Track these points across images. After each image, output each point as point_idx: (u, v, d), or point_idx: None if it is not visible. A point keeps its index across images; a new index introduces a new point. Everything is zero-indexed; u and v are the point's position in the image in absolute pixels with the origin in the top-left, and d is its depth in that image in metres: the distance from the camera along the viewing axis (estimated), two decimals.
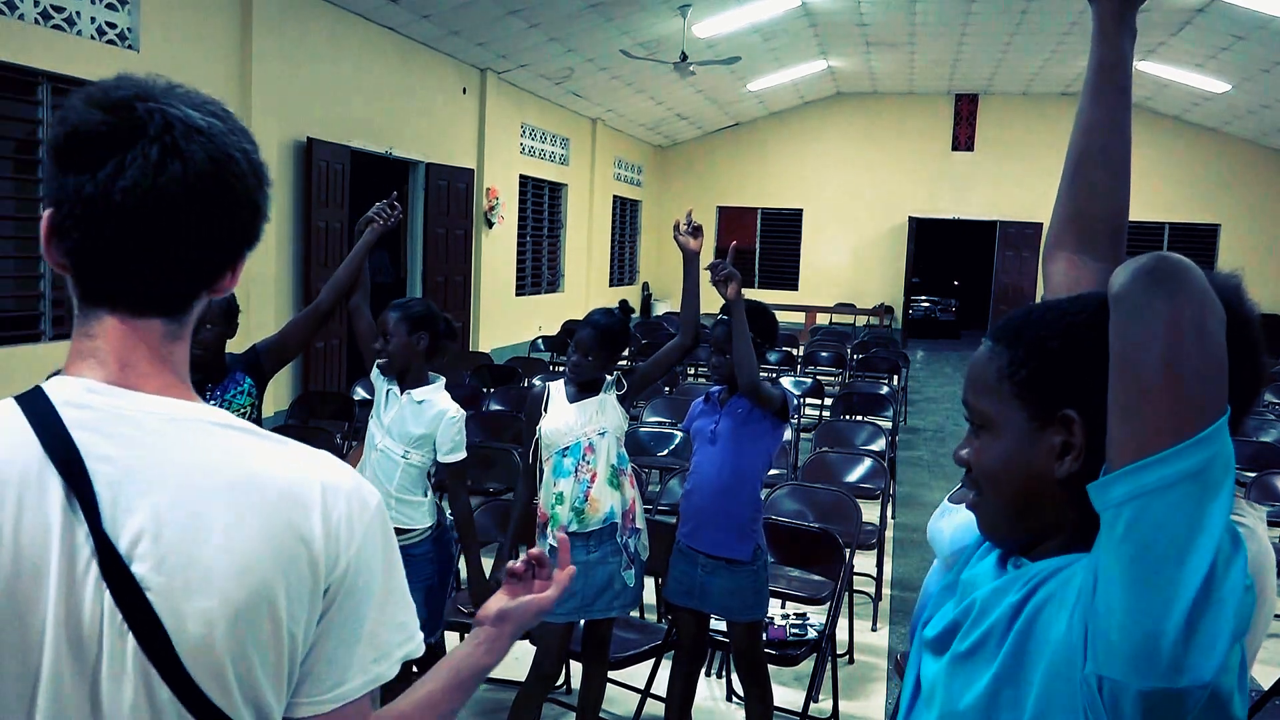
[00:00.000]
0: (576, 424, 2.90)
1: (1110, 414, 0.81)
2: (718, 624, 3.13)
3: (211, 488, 0.80)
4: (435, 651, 3.08)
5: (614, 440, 2.92)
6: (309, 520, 0.83)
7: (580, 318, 3.13)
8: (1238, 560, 0.75)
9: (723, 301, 2.89)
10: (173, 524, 0.78)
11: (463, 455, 3.00)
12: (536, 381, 5.12)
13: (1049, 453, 0.91)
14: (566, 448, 2.89)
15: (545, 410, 2.97)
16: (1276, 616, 4.62)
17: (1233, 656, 0.74)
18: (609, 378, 2.99)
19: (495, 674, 3.53)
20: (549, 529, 2.90)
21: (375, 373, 3.08)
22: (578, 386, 2.97)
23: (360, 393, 6.50)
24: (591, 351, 2.90)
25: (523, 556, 1.16)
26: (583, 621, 2.98)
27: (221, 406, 2.83)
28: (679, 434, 5.22)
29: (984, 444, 0.97)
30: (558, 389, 3.00)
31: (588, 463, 2.89)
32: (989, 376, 0.96)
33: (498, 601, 1.13)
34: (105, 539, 0.77)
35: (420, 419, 2.94)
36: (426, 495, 3.00)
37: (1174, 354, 0.77)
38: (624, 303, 3.10)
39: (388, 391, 3.03)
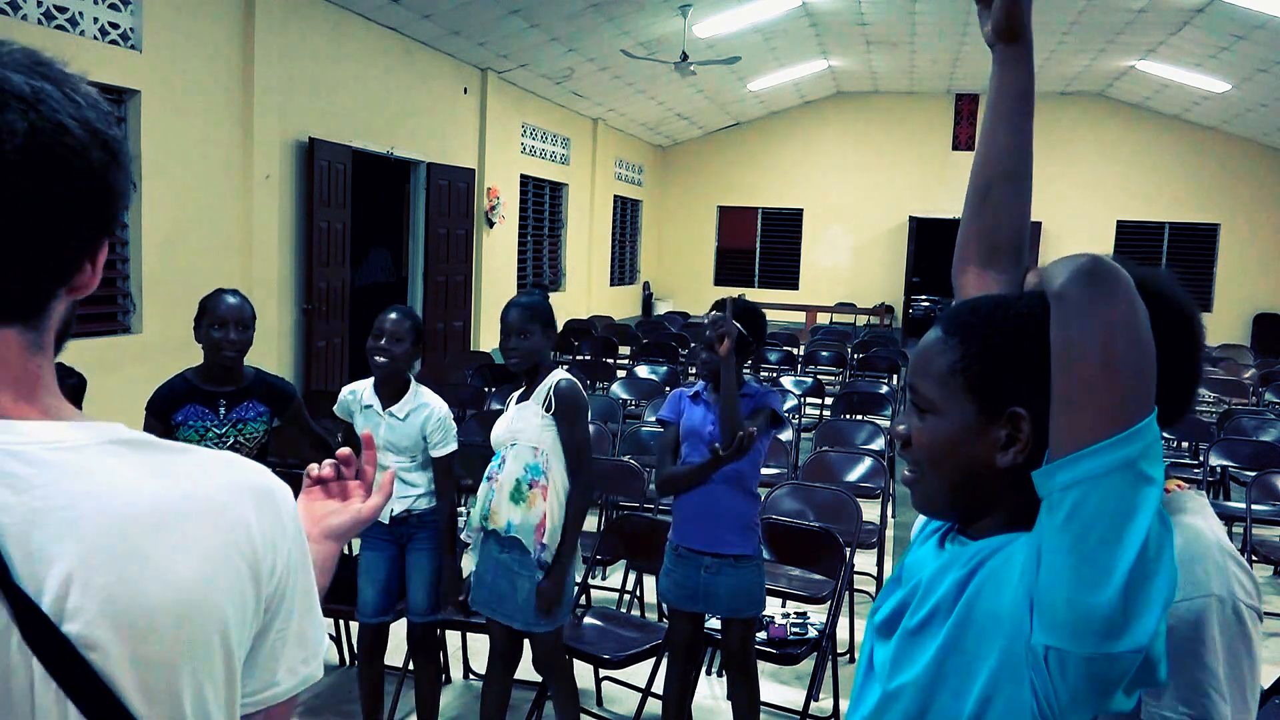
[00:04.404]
0: (500, 432, 2.92)
1: (1053, 406, 0.87)
2: (711, 622, 3.14)
3: (136, 517, 0.69)
4: (431, 632, 3.13)
5: (527, 451, 2.83)
6: (246, 532, 0.75)
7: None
8: (1168, 538, 0.83)
9: (713, 300, 2.88)
10: (102, 567, 0.67)
11: (454, 447, 3.03)
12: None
13: (993, 443, 0.96)
14: (495, 453, 2.93)
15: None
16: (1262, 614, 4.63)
17: (1161, 624, 0.83)
18: (552, 380, 2.86)
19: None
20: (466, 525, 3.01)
21: (352, 395, 3.08)
22: (527, 381, 2.93)
23: None
24: (523, 330, 2.84)
25: (328, 461, 1.10)
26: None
27: (236, 427, 2.87)
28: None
29: (928, 426, 1.01)
30: (515, 391, 3.01)
31: (499, 471, 2.88)
32: (940, 367, 1.00)
33: (316, 515, 1.07)
34: (23, 598, 0.65)
35: (409, 431, 3.00)
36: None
37: (1111, 352, 0.83)
38: (538, 282, 3.17)
39: (365, 408, 3.04)
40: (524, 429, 2.85)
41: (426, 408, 2.99)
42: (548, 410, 2.83)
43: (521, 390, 2.96)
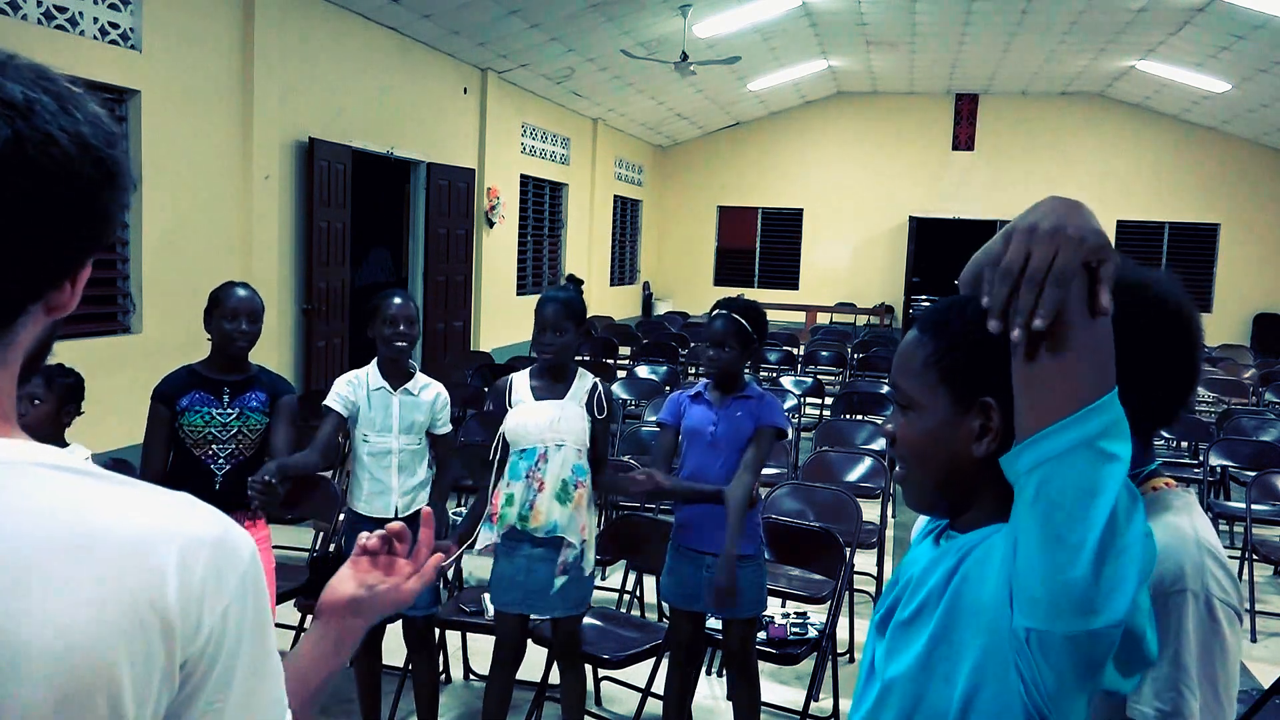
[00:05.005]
0: (535, 429, 2.86)
1: (1015, 393, 0.89)
2: (712, 622, 3.14)
3: (39, 548, 0.64)
4: (429, 629, 3.14)
5: (573, 452, 2.86)
6: (162, 581, 0.67)
7: None
8: (1136, 511, 0.84)
9: (713, 300, 2.93)
10: None
11: (450, 427, 3.21)
12: None
13: (969, 434, 1.00)
14: (524, 450, 2.87)
15: (510, 405, 2.93)
16: (1259, 612, 4.64)
17: (1141, 597, 0.83)
18: (588, 381, 2.95)
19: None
20: (494, 524, 2.89)
21: (356, 380, 3.09)
22: (550, 376, 2.93)
23: None
24: (560, 327, 2.86)
25: (378, 531, 1.06)
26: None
27: (240, 416, 2.88)
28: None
29: (909, 422, 1.05)
30: (521, 381, 2.96)
31: (539, 470, 2.84)
32: (916, 363, 1.04)
33: (348, 586, 1.03)
34: None
35: (420, 407, 3.10)
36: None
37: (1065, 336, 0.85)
38: (571, 276, 3.22)
39: (375, 390, 3.06)
40: (570, 430, 2.86)
41: (433, 385, 3.14)
42: (599, 414, 2.91)
43: (536, 383, 2.94)
